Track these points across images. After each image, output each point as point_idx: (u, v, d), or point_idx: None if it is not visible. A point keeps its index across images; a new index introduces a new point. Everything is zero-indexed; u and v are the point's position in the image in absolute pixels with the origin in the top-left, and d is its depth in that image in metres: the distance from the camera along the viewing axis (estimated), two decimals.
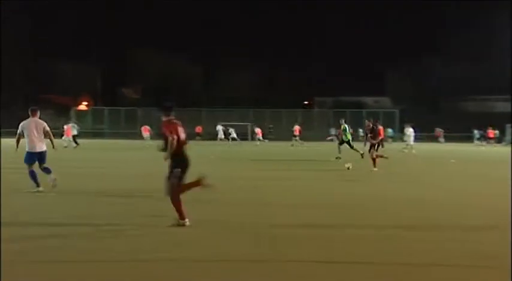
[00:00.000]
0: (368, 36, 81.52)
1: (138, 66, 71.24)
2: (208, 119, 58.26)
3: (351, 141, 21.50)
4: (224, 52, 72.18)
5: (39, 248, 5.83)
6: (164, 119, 7.18)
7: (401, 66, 71.36)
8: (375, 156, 16.57)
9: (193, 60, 71.11)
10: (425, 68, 70.95)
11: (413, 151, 28.85)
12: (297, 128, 41.12)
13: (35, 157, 10.46)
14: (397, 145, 34.85)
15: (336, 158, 20.73)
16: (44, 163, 10.59)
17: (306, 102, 76.58)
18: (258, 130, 46.20)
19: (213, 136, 54.60)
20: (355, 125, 51.94)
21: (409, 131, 30.47)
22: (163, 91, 70.20)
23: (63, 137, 33.93)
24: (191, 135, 49.57)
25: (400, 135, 45.78)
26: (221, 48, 75.15)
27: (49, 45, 70.07)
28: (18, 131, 10.54)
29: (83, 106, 69.83)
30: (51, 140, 10.67)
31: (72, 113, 62.29)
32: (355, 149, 20.99)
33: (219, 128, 43.83)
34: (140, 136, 44.72)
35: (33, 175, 10.39)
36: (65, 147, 30.87)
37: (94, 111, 64.93)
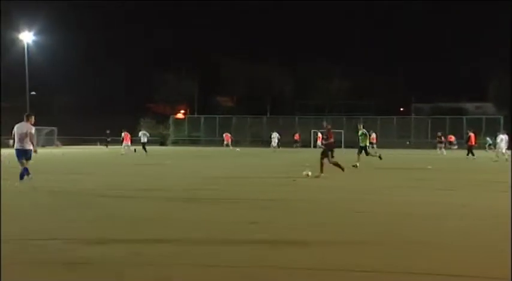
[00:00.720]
0: (468, 37, 77.93)
1: (233, 75, 72.77)
2: (301, 126, 58.32)
3: (367, 147, 20.93)
4: (318, 59, 72.01)
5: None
6: None
7: (506, 68, 66.97)
8: (327, 162, 15.69)
9: (286, 67, 71.46)
10: None
11: (505, 157, 27.16)
12: (373, 136, 40.37)
13: (21, 153, 12.27)
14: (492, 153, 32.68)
15: (353, 165, 19.71)
16: (28, 159, 12.35)
17: (402, 109, 74.33)
18: (319, 136, 46.06)
19: (308, 143, 54.61)
20: (454, 133, 49.77)
21: (500, 138, 28.78)
22: (258, 99, 71.23)
23: (123, 144, 34.46)
24: (289, 143, 50.31)
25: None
26: (314, 55, 75.13)
27: (149, 56, 73.73)
28: (13, 132, 12.42)
29: (180, 115, 72.45)
30: (32, 143, 12.37)
31: (170, 121, 64.96)
32: (371, 155, 21.08)
33: (275, 135, 44.04)
34: (223, 143, 45.80)
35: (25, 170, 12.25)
36: (122, 154, 31.68)
37: (190, 119, 67.17)
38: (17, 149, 12.35)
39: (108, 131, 50.43)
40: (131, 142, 35.02)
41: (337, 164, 15.94)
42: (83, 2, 69.69)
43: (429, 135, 56.91)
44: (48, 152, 37.35)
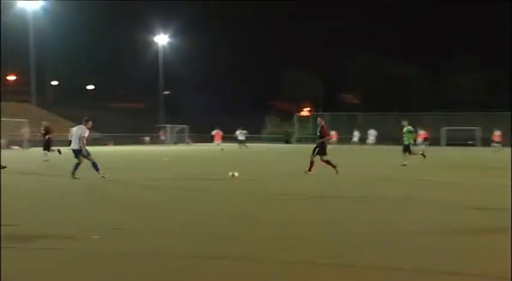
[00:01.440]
0: None
1: (359, 72, 71.42)
2: (432, 123, 55.57)
3: (410, 145, 19.39)
4: (450, 52, 68.48)
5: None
6: None
7: None
8: (322, 160, 14.99)
9: (415, 62, 68.59)
10: None
11: None
12: (496, 134, 37.61)
13: (76, 152, 13.36)
14: None
15: (403, 165, 18.79)
16: (79, 156, 13.29)
17: None
18: (422, 133, 43.34)
19: (436, 141, 51.84)
20: None
21: None
22: (384, 96, 69.22)
23: (216, 142, 35.76)
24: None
25: None
26: (446, 47, 71.49)
27: (275, 54, 74.76)
28: (70, 133, 13.91)
29: (305, 112, 72.53)
30: (83, 144, 13.24)
31: (294, 119, 65.30)
32: (413, 153, 19.58)
33: (372, 132, 42.54)
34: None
35: (76, 166, 13.30)
36: (222, 149, 32.59)
37: (315, 117, 66.89)
38: (72, 149, 13.52)
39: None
40: (223, 140, 36.32)
41: (329, 162, 15.14)
42: (213, 3, 72.26)
43: None
44: (179, 149, 39.42)
